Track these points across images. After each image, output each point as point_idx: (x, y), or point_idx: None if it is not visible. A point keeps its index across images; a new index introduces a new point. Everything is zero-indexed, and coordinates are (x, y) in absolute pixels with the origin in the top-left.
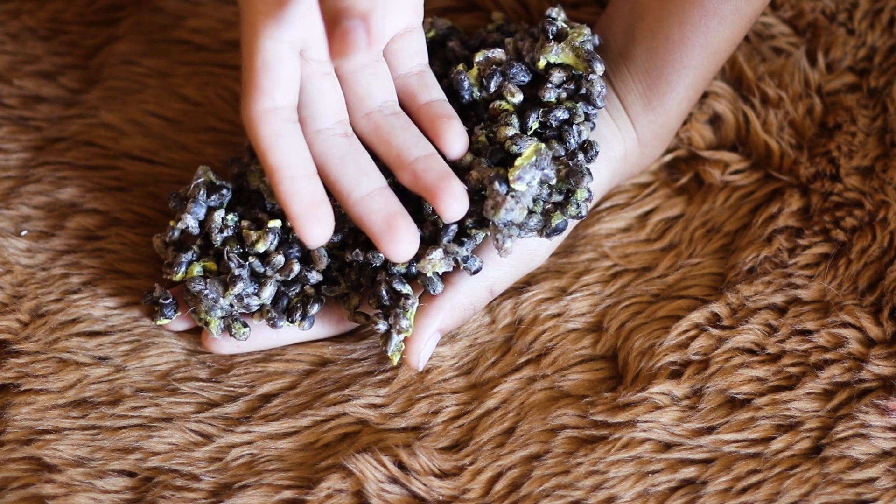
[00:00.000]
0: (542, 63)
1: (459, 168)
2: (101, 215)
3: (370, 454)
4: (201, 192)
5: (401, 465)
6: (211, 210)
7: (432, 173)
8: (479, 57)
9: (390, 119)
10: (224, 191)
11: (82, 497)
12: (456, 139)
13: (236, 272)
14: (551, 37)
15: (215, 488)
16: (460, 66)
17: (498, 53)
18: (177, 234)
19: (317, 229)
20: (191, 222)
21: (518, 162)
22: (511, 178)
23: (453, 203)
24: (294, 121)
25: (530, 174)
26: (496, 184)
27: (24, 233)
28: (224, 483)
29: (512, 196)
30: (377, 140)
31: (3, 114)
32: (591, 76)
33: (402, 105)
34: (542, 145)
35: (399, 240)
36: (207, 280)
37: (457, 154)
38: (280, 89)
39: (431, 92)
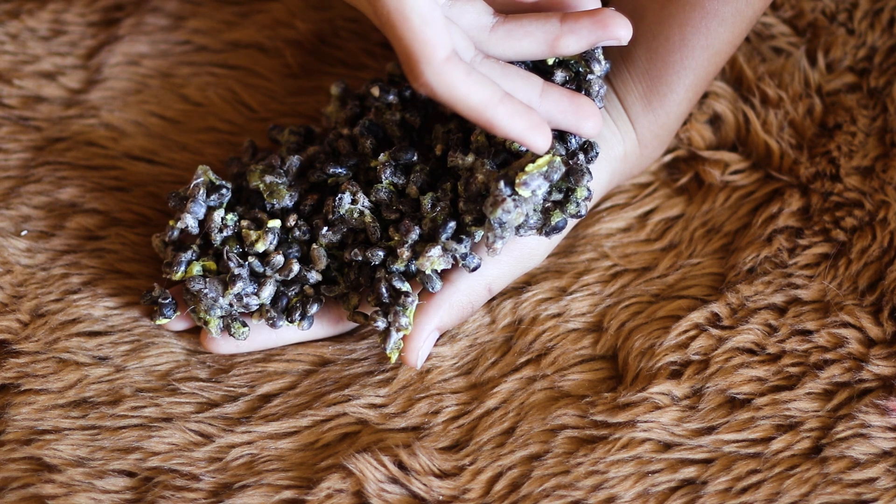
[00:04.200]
0: (550, 59)
1: (462, 168)
2: (101, 215)
3: (370, 454)
4: (201, 191)
5: (401, 465)
6: (210, 210)
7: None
8: None
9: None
10: (224, 190)
11: (82, 497)
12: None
13: (236, 272)
14: None
15: (215, 488)
16: None
17: None
18: (176, 233)
19: (542, 138)
20: (190, 222)
21: (528, 167)
22: (517, 182)
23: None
24: (464, 59)
25: (537, 182)
26: (501, 183)
27: (24, 233)
28: (224, 483)
29: (513, 199)
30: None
31: (3, 114)
32: (590, 76)
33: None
34: (557, 158)
35: (590, 116)
36: (207, 279)
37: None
38: (447, 35)
39: None
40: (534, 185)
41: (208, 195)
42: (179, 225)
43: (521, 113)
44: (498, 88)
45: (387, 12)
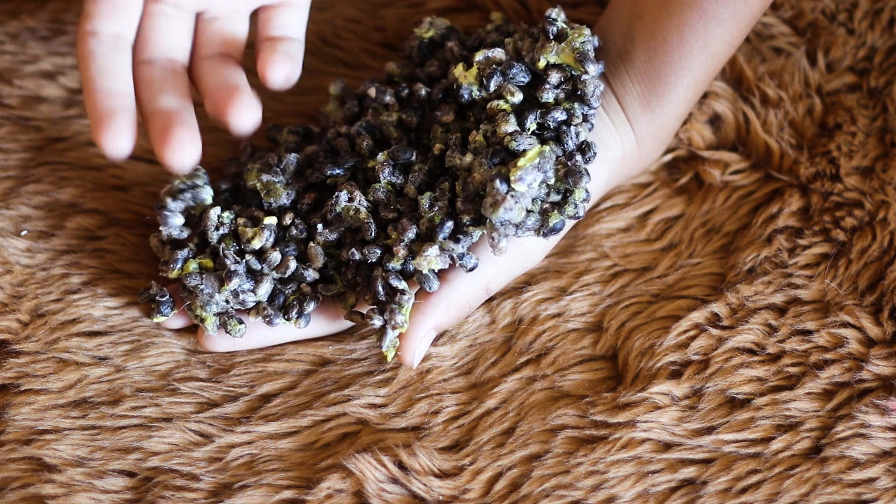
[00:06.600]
0: (541, 63)
1: (460, 168)
2: (101, 215)
3: (370, 454)
4: (167, 201)
5: (401, 465)
6: (190, 208)
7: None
8: (478, 56)
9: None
10: (196, 180)
11: (82, 497)
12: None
13: (232, 268)
14: (552, 37)
15: (215, 488)
16: (459, 66)
17: (498, 53)
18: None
19: (108, 137)
20: (172, 231)
21: (521, 162)
22: (512, 178)
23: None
24: (115, 48)
25: (532, 175)
26: (497, 182)
27: (24, 233)
28: (224, 483)
29: (512, 196)
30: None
31: (3, 114)
32: (584, 77)
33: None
34: (546, 147)
35: (169, 145)
36: (203, 275)
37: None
38: (105, 19)
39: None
40: (528, 179)
41: (174, 199)
42: (164, 232)
43: (100, 109)
44: (108, 83)
45: None
